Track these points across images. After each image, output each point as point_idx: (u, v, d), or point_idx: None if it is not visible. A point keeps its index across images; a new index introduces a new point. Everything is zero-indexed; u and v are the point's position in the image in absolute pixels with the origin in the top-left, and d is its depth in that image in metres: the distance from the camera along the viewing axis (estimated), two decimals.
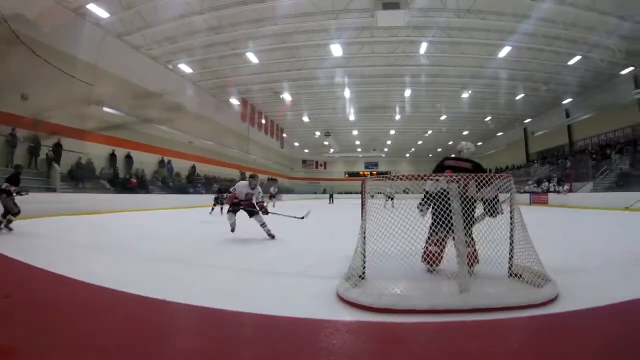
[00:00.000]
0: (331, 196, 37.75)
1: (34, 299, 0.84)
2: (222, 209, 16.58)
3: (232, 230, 8.34)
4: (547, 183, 27.27)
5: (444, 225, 3.85)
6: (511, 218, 4.03)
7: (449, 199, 3.83)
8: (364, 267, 3.95)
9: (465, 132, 44.45)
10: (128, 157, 23.37)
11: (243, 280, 4.40)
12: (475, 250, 4.08)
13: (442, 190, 4.02)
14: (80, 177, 18.56)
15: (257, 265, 5.26)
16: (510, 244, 4.02)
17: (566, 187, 24.30)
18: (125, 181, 21.28)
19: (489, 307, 3.05)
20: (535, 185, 28.70)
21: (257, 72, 26.54)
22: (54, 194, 16.05)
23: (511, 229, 4.02)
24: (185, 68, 25.54)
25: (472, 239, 4.15)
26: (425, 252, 4.21)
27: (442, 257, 4.26)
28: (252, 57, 23.47)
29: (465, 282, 3.33)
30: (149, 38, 21.16)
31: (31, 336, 0.58)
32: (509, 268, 4.03)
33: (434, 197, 4.05)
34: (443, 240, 4.20)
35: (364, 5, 18.20)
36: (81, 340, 0.54)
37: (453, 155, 5.24)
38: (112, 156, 22.03)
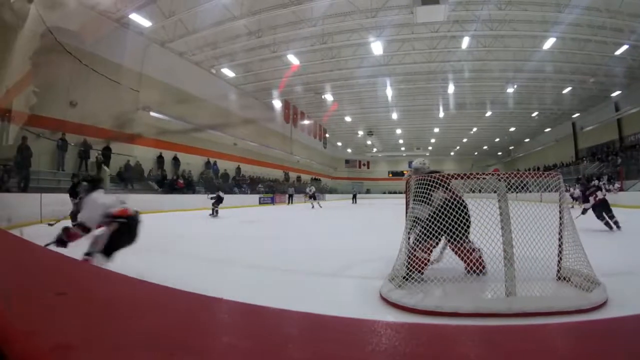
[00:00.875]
0: (354, 196, 36.54)
1: (89, 296, 0.88)
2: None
3: None
4: (596, 181, 26.07)
5: (437, 234, 3.78)
6: (560, 218, 3.83)
7: (446, 207, 3.80)
8: (408, 268, 3.86)
9: (512, 129, 43.24)
10: (175, 159, 24.13)
11: (286, 279, 4.43)
12: (480, 256, 3.92)
13: (444, 199, 3.92)
14: (129, 179, 19.33)
15: (296, 265, 5.28)
16: (559, 245, 3.82)
17: (617, 185, 23.08)
18: (172, 182, 21.95)
19: (535, 311, 2.93)
20: (585, 183, 27.42)
21: (299, 74, 26.74)
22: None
23: (560, 230, 3.82)
24: (228, 72, 26.07)
25: (472, 246, 3.97)
26: (413, 258, 3.95)
27: (428, 264, 4.08)
28: (293, 59, 23.67)
29: (512, 285, 3.21)
30: (191, 44, 21.74)
31: (88, 333, 0.60)
32: (558, 271, 3.85)
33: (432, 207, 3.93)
34: (433, 247, 4.04)
35: (402, 2, 18.03)
36: (139, 338, 0.55)
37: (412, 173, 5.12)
38: (160, 158, 22.83)
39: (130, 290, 1.07)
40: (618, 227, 8.65)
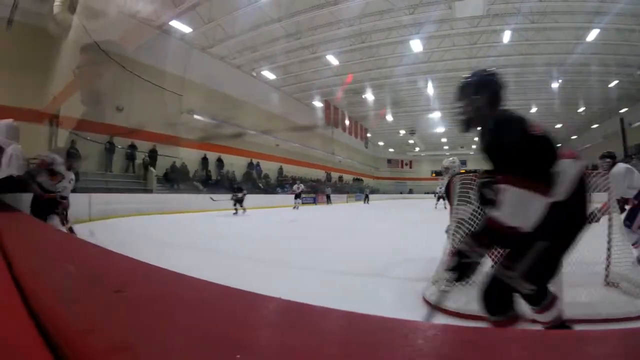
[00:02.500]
0: (367, 197, 35.72)
1: (146, 294, 0.91)
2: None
3: None
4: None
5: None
6: (609, 220, 3.69)
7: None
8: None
9: (558, 125, 41.56)
10: (219, 161, 24.66)
11: (325, 279, 4.46)
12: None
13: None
14: (175, 180, 19.96)
15: (335, 265, 5.30)
16: (608, 249, 3.67)
17: None
18: (216, 183, 22.45)
19: (581, 318, 2.85)
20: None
21: (338, 74, 26.72)
22: (151, 194, 17.38)
23: (609, 233, 3.67)
24: (268, 74, 26.35)
25: None
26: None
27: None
28: (332, 60, 23.69)
29: (558, 291, 3.12)
30: (231, 48, 22.08)
31: (148, 332, 0.63)
32: (606, 276, 3.69)
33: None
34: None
35: None
36: (199, 338, 0.57)
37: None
38: (204, 160, 23.42)
39: (183, 288, 1.10)
40: None
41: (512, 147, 1.87)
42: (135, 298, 0.95)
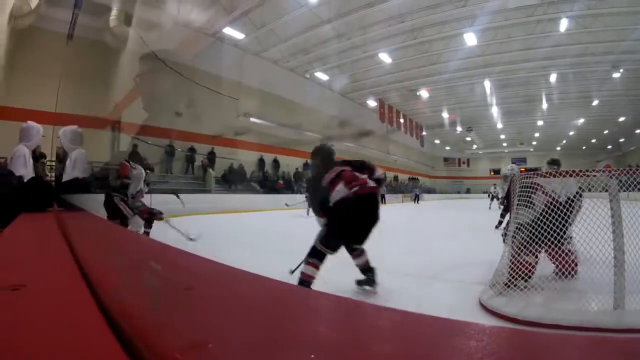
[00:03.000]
0: (417, 197, 34.88)
1: (215, 291, 0.93)
2: None
3: None
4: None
5: (549, 231, 3.49)
6: None
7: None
8: (511, 275, 3.68)
9: (621, 119, 39.16)
10: (275, 161, 25.18)
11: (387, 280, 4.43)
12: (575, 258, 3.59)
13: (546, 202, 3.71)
14: (233, 180, 20.59)
15: (391, 265, 5.24)
16: None
17: None
18: (273, 183, 22.95)
19: None
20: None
21: (392, 72, 26.54)
22: (209, 195, 17.97)
23: None
24: (321, 75, 26.54)
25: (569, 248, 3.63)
26: (518, 264, 3.64)
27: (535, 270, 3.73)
28: (384, 58, 23.56)
29: (621, 297, 2.93)
30: (284, 52, 22.50)
31: (222, 330, 0.64)
32: None
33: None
34: (539, 249, 3.71)
35: None
36: (274, 336, 0.58)
37: None
38: (261, 161, 24.05)
39: (254, 287, 1.11)
40: None
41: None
42: (205, 296, 0.97)
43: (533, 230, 3.61)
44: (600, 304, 3.03)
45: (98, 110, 14.20)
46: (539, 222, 3.60)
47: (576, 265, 3.63)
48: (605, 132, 45.17)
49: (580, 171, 3.57)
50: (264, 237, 9.20)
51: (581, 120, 41.04)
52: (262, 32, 19.76)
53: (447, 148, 57.67)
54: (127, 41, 14.57)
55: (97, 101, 14.29)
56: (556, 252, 3.70)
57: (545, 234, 3.54)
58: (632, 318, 2.77)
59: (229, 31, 18.85)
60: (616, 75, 26.59)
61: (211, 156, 20.11)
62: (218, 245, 7.15)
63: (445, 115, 38.64)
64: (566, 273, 3.58)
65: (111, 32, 14.49)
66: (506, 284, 3.56)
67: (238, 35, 19.34)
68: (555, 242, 3.56)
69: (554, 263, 3.76)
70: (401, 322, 0.84)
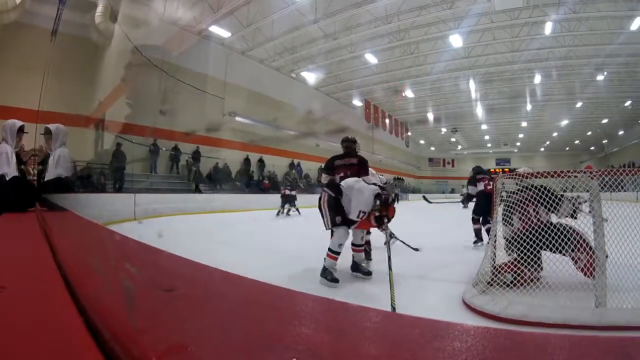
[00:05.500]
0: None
1: (196, 292, 0.92)
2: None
3: None
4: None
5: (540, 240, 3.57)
6: None
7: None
8: (493, 274, 3.72)
9: (604, 120, 39.79)
10: (260, 161, 25.00)
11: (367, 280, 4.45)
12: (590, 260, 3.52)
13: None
14: (218, 180, 20.40)
15: (376, 265, 5.26)
16: None
17: None
18: (258, 183, 22.87)
19: (627, 325, 2.74)
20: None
21: (378, 72, 26.61)
22: (194, 194, 17.78)
23: None
24: (307, 75, 26.51)
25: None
26: (520, 277, 3.61)
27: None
28: (370, 58, 23.62)
29: (602, 296, 2.99)
30: (270, 51, 22.41)
31: (202, 332, 0.62)
32: None
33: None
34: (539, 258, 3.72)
35: None
36: (254, 338, 0.57)
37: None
38: (246, 160, 23.84)
39: (231, 286, 1.10)
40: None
41: None
42: (186, 297, 0.96)
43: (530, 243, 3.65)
44: (582, 302, 3.09)
45: (82, 108, 14.07)
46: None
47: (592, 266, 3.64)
48: (589, 133, 45.84)
49: (562, 172, 3.61)
50: (248, 237, 9.15)
51: (565, 122, 41.56)
52: (249, 31, 19.65)
53: (432, 148, 57.90)
54: (113, 38, 14.41)
55: (82, 99, 14.15)
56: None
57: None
58: (613, 316, 2.83)
59: (215, 29, 18.72)
60: (600, 77, 26.97)
61: (196, 155, 19.91)
62: (201, 246, 7.07)
63: (430, 115, 38.83)
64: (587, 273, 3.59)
65: (97, 29, 14.33)
66: (489, 282, 3.60)
67: (224, 33, 19.22)
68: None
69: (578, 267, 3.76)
70: (386, 323, 0.84)
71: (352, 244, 4.63)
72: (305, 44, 21.88)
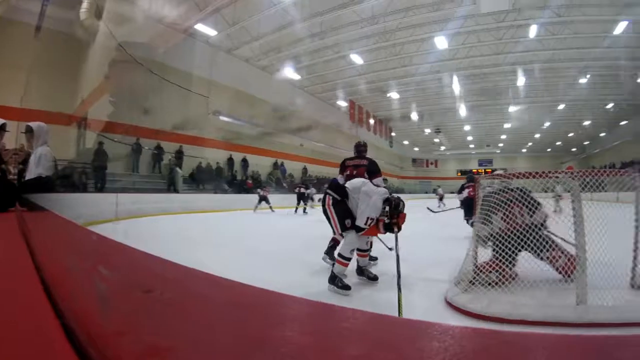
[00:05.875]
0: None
1: (175, 294, 0.91)
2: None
3: None
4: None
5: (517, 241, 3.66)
6: (636, 220, 3.57)
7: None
8: (475, 272, 3.77)
9: (586, 122, 40.51)
10: (244, 161, 24.90)
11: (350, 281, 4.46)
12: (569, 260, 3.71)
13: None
14: (201, 180, 20.20)
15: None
16: (635, 250, 3.58)
17: None
18: (242, 182, 22.75)
19: (607, 322, 2.80)
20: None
21: (363, 73, 26.67)
22: (177, 194, 17.63)
23: (636, 233, 3.57)
24: (293, 75, 26.42)
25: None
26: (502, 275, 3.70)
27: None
28: (356, 59, 23.66)
29: (583, 293, 3.05)
30: (256, 50, 22.35)
31: (180, 334, 0.62)
32: (632, 278, 3.58)
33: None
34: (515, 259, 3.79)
35: None
36: (231, 339, 0.56)
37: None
38: (230, 160, 23.72)
39: (211, 288, 1.09)
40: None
41: None
42: (165, 299, 0.95)
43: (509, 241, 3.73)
44: (563, 300, 3.17)
45: (65, 105, 13.86)
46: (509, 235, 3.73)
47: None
48: (571, 135, 46.56)
49: (544, 172, 3.67)
50: (231, 237, 9.10)
51: (547, 124, 42.12)
52: (235, 30, 19.55)
53: (416, 149, 58.31)
54: (97, 35, 14.22)
55: (65, 96, 13.95)
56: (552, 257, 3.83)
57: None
58: (594, 313, 2.89)
59: (200, 28, 18.60)
60: (583, 80, 27.42)
61: (179, 155, 19.73)
62: (183, 246, 7.01)
63: (414, 116, 39.04)
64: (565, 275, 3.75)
65: (81, 25, 14.12)
66: (471, 281, 3.64)
67: (210, 32, 19.10)
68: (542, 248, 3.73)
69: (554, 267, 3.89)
70: (370, 323, 0.85)
71: (357, 249, 4.36)
72: (291, 44, 21.83)
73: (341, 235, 4.33)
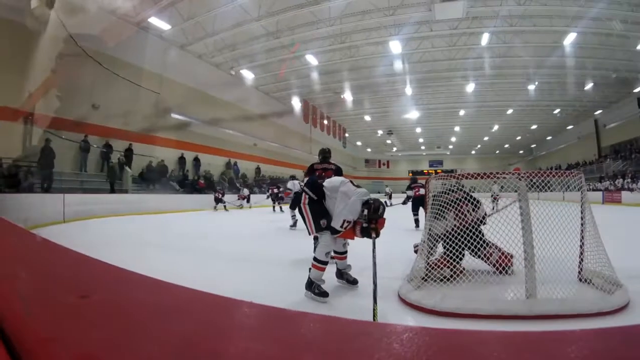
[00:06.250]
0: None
1: (113, 299, 0.86)
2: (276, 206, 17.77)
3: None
4: (621, 180, 25.19)
5: (464, 242, 3.79)
6: (582, 218, 3.76)
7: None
8: (427, 269, 3.84)
9: (534, 127, 42.44)
10: (196, 160, 24.43)
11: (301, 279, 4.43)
12: (503, 255, 3.97)
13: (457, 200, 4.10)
14: (151, 180, 19.63)
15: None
16: (581, 246, 3.75)
17: None
18: (193, 182, 22.24)
19: (556, 313, 2.91)
20: (611, 182, 26.52)
21: (318, 74, 26.72)
22: (126, 195, 17.09)
23: (582, 230, 3.75)
24: (247, 73, 26.17)
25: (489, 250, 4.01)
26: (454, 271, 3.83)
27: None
28: (311, 59, 23.69)
29: (532, 287, 3.17)
30: (210, 46, 21.96)
31: (114, 341, 0.58)
32: (579, 272, 3.78)
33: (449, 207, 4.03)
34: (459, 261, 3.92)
35: None
36: (167, 346, 0.53)
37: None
38: (181, 159, 23.19)
39: (153, 293, 1.05)
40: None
41: None
42: (102, 304, 0.91)
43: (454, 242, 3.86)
44: (514, 293, 3.28)
45: (10, 99, 13.20)
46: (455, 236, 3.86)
47: (507, 262, 4.01)
48: (518, 138, 48.63)
49: (492, 173, 3.78)
50: (179, 239, 8.88)
51: (496, 127, 43.68)
52: (189, 25, 19.14)
53: (369, 150, 59.22)
54: (48, 25, 13.58)
55: (11, 90, 13.27)
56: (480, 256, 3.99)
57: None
58: (543, 306, 3.00)
59: (154, 21, 18.10)
60: (531, 87, 28.65)
61: (128, 153, 19.06)
62: (130, 249, 6.81)
63: (367, 118, 39.56)
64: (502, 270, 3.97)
65: (32, 14, 13.42)
66: (423, 278, 3.71)
67: (164, 25, 18.60)
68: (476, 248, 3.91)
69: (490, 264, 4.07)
70: (322, 327, 0.83)
71: (334, 252, 4.13)
72: (246, 41, 21.62)
73: (315, 236, 4.24)
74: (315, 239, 4.53)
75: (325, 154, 6.11)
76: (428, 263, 3.89)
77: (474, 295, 3.31)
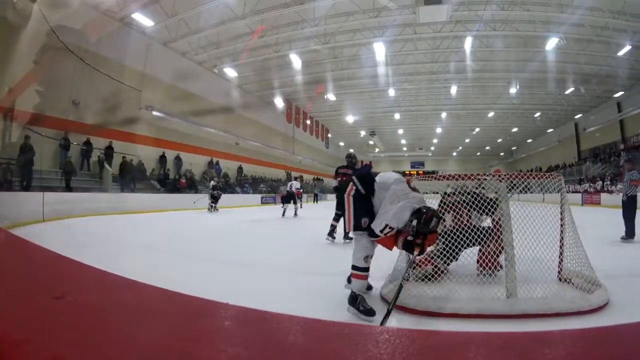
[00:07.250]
0: (316, 196, 36.29)
1: (88, 300, 0.84)
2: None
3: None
4: (600, 182, 25.77)
5: (456, 244, 3.74)
6: (562, 220, 3.84)
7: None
8: (408, 269, 3.84)
9: (515, 129, 43.12)
10: (177, 159, 24.20)
11: (284, 279, 4.41)
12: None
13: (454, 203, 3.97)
14: (131, 178, 19.32)
15: (296, 265, 5.27)
16: (561, 246, 3.83)
17: (619, 186, 22.80)
18: (174, 182, 22.02)
19: (536, 313, 2.95)
20: (590, 184, 27.07)
21: (301, 74, 26.68)
22: (106, 194, 16.78)
23: (561, 231, 3.82)
24: (230, 72, 26.01)
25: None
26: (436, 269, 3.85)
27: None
28: (295, 59, 23.65)
29: (513, 287, 3.20)
30: (194, 44, 21.77)
31: (87, 343, 0.56)
32: (559, 272, 3.85)
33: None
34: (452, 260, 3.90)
35: (405, 2, 17.91)
36: (141, 348, 0.52)
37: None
38: (162, 158, 22.89)
39: (130, 294, 1.03)
40: None
41: None
42: (76, 305, 0.88)
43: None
44: (494, 293, 3.29)
45: None
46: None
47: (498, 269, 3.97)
48: (499, 140, 49.30)
49: (472, 175, 3.80)
50: (160, 238, 8.78)
51: (477, 130, 44.21)
52: (173, 22, 18.92)
53: (351, 150, 59.22)
54: (30, 19, 13.27)
55: None
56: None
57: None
58: (523, 305, 3.03)
59: (137, 17, 17.85)
60: (512, 90, 28.97)
61: (109, 151, 18.75)
62: (109, 249, 6.69)
63: (350, 119, 39.66)
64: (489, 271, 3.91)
65: (14, 7, 13.10)
66: (405, 278, 3.71)
67: (147, 22, 18.36)
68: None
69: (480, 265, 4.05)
70: (298, 329, 0.82)
71: (352, 266, 3.45)
72: (230, 40, 21.49)
73: (348, 234, 3.92)
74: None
75: (351, 159, 6.56)
76: (412, 261, 3.89)
77: (455, 295, 3.33)
